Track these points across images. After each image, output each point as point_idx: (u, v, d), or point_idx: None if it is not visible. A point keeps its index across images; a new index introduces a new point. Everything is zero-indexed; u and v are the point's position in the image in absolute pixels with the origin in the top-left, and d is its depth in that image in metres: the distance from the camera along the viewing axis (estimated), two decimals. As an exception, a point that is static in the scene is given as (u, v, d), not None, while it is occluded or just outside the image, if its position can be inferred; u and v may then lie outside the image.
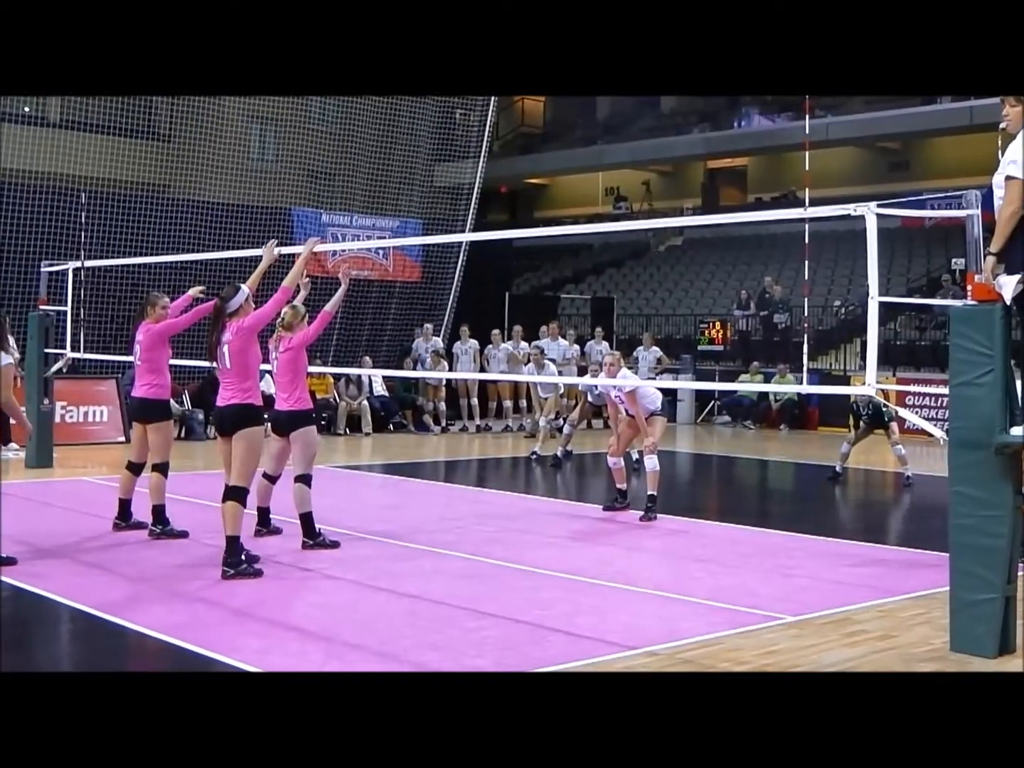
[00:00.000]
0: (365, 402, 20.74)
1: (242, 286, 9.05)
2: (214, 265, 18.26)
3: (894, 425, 14.78)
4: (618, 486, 12.27)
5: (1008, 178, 6.49)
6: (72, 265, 14.84)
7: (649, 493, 11.74)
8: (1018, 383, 6.91)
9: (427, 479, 15.36)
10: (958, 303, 7.12)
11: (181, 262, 17.77)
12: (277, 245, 9.90)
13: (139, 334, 10.27)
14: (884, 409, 14.23)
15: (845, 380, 22.41)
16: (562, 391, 19.43)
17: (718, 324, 27.26)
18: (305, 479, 9.76)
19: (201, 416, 19.12)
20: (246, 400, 8.74)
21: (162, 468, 10.12)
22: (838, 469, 15.09)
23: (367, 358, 21.59)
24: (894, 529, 12.69)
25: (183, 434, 18.78)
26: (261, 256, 9.77)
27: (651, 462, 11.73)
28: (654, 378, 22.49)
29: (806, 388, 14.70)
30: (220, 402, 8.87)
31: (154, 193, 22.07)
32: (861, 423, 14.97)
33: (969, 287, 6.83)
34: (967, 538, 6.69)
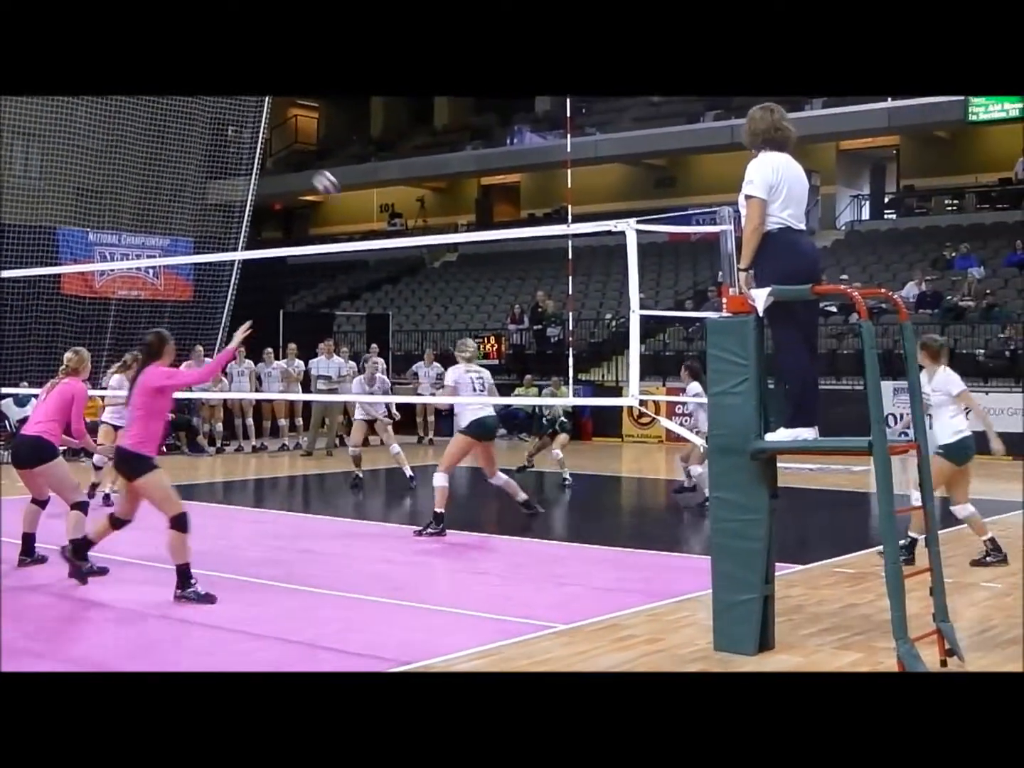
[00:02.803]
0: (136, 424, 20.23)
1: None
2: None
3: (563, 436, 16.00)
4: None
5: (747, 197, 6.76)
6: None
7: (435, 511, 11.76)
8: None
9: (202, 501, 15.05)
10: (714, 315, 7.37)
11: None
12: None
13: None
14: (560, 420, 15.07)
15: (618, 391, 22.88)
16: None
17: (493, 338, 27.55)
18: (82, 506, 9.63)
19: None
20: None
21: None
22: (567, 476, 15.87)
23: (138, 379, 21.06)
24: (661, 535, 12.99)
25: None
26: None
27: (437, 478, 11.75)
28: (434, 394, 22.58)
29: (572, 400, 15.01)
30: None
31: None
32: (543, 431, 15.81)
33: (724, 300, 7.08)
34: (727, 541, 6.92)
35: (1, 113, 21.34)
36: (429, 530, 11.64)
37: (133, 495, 8.87)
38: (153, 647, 7.28)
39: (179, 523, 8.49)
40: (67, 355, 10.01)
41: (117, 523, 9.03)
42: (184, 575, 8.45)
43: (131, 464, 8.66)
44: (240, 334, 9.09)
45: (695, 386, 13.66)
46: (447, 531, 11.64)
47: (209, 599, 8.41)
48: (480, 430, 12.02)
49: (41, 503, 9.90)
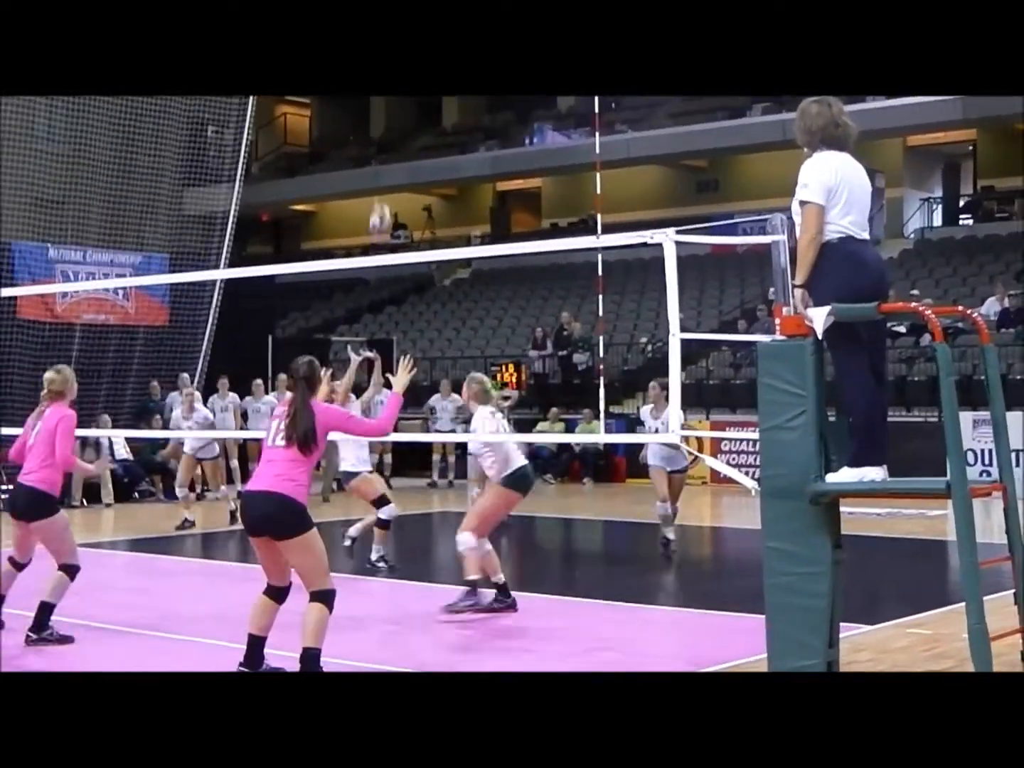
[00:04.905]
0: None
1: None
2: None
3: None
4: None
5: (802, 203, 6.71)
6: None
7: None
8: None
9: (182, 555, 15.07)
10: (766, 338, 7.33)
11: None
12: None
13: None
14: None
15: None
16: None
17: (511, 366, 27.45)
18: (70, 570, 9.57)
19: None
20: None
21: None
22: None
23: (106, 416, 21.08)
24: (705, 592, 12.85)
25: None
26: None
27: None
28: (454, 431, 22.54)
29: (602, 437, 14.63)
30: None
31: None
32: None
33: (777, 321, 7.03)
34: (784, 598, 6.84)
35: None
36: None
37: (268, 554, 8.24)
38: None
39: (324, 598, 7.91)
40: (48, 376, 9.75)
41: None
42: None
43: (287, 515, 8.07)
44: (404, 374, 8.59)
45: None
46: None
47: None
48: None
49: (19, 565, 9.81)
